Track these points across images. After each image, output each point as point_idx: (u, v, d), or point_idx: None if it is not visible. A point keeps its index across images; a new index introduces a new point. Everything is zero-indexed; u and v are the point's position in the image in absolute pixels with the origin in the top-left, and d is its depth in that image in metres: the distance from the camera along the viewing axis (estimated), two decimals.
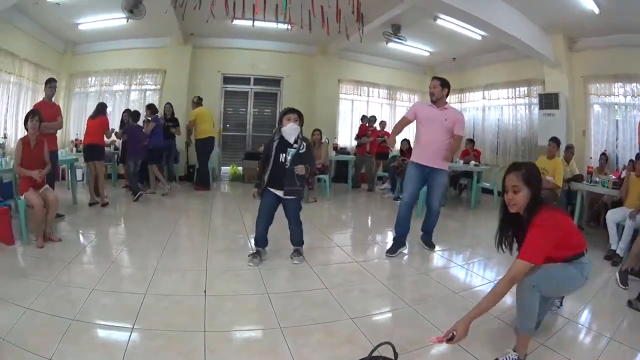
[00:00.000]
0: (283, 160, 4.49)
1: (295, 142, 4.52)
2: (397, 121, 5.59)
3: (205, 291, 3.72)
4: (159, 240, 5.37)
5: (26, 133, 5.20)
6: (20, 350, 2.60)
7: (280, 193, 4.55)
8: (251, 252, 4.69)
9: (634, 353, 2.99)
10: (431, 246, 5.55)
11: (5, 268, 4.12)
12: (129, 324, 3.01)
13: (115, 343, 2.79)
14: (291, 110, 4.58)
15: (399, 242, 5.32)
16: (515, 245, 2.96)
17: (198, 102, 9.94)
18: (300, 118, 4.58)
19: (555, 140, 7.20)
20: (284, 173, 4.47)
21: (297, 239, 4.79)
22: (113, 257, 4.64)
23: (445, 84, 5.27)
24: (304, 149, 4.55)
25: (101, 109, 7.74)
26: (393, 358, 2.44)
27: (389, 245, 5.34)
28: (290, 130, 4.48)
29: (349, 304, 3.62)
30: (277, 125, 4.76)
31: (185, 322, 3.12)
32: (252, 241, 4.78)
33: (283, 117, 4.54)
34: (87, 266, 4.45)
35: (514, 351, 2.69)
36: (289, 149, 4.49)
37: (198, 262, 4.57)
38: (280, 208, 4.71)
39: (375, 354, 2.46)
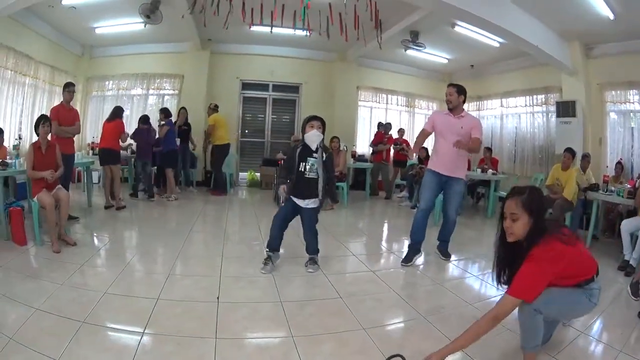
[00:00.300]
0: (302, 170, 4.50)
1: (316, 150, 4.52)
2: (415, 129, 5.57)
3: (218, 297, 3.67)
4: (174, 245, 5.36)
5: (37, 138, 5.22)
6: (29, 350, 2.59)
7: (300, 202, 4.55)
8: (264, 258, 4.60)
9: None
10: (447, 256, 5.44)
11: (16, 268, 4.13)
12: (140, 328, 2.98)
13: (125, 347, 2.76)
14: (315, 118, 4.58)
15: (414, 250, 5.24)
16: None
17: (215, 108, 10.00)
18: (323, 126, 4.59)
19: (570, 151, 7.07)
20: (306, 183, 4.51)
21: (312, 248, 4.74)
22: (127, 261, 4.63)
23: (461, 91, 5.18)
24: (325, 158, 4.55)
25: (117, 112, 7.80)
26: None
27: (404, 254, 5.24)
28: (313, 137, 4.49)
29: (362, 313, 3.55)
30: (300, 133, 4.75)
31: (197, 328, 3.08)
32: (266, 245, 4.71)
33: (306, 124, 4.55)
34: (100, 269, 4.44)
35: None
36: (309, 158, 4.49)
37: (212, 268, 4.52)
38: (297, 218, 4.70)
39: None
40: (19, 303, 3.26)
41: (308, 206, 4.57)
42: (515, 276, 2.45)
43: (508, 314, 2.45)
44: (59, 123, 5.91)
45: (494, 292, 4.41)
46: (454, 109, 5.17)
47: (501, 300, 2.44)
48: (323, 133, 4.58)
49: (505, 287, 2.63)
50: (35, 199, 4.98)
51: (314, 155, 4.51)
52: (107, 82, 10.99)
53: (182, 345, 2.81)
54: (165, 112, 8.99)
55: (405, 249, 5.43)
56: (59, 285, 3.71)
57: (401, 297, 4.06)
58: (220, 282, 4.09)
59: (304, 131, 4.57)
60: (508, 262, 2.68)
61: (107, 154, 7.50)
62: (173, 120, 9.16)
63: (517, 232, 2.51)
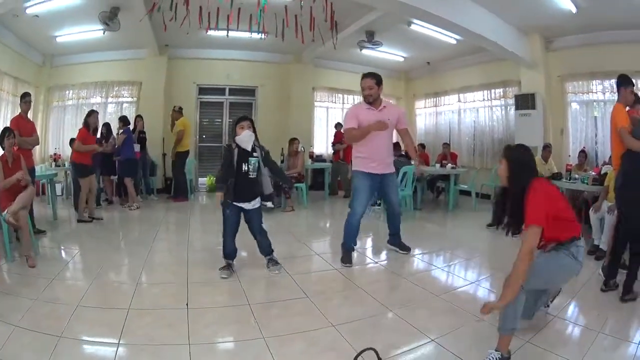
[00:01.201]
0: (246, 170, 4.43)
1: (254, 150, 4.47)
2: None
3: (187, 304, 3.77)
4: (140, 254, 5.41)
5: (1, 152, 5.22)
6: None
7: (245, 205, 4.52)
8: (223, 265, 4.62)
9: (619, 342, 3.15)
10: (406, 249, 5.48)
11: None
12: (115, 339, 3.05)
13: (103, 359, 2.85)
14: (243, 118, 4.51)
15: (349, 249, 5.24)
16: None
17: (179, 111, 9.99)
18: (253, 125, 4.50)
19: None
20: (251, 183, 4.46)
21: (266, 249, 4.79)
22: (95, 273, 4.62)
23: (380, 81, 4.98)
24: (264, 155, 4.55)
25: (86, 117, 7.70)
26: None
27: (341, 256, 5.22)
28: (245, 138, 4.40)
29: (330, 311, 3.68)
30: (231, 135, 4.66)
31: (169, 335, 3.17)
32: (222, 254, 4.67)
33: (236, 126, 4.46)
34: (70, 282, 4.48)
35: (496, 350, 2.74)
36: (250, 158, 4.43)
37: (179, 275, 4.60)
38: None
39: None
40: None
41: (254, 207, 4.58)
42: (525, 210, 2.77)
43: (536, 243, 2.75)
44: (20, 134, 5.89)
45: (460, 282, 4.68)
46: (374, 101, 5.01)
47: (524, 236, 2.73)
48: (254, 132, 4.48)
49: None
50: (4, 213, 4.87)
51: (254, 154, 4.46)
52: (67, 92, 10.85)
53: (157, 354, 2.91)
54: (123, 121, 9.01)
55: (369, 246, 5.64)
56: (33, 299, 3.73)
57: (368, 292, 4.19)
58: (187, 289, 4.18)
59: (234, 133, 4.46)
60: (502, 207, 3.13)
61: (75, 168, 7.55)
62: (131, 128, 9.17)
63: (501, 173, 3.07)
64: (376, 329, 3.43)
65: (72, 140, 8.45)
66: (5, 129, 5.35)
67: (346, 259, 5.10)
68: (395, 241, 5.56)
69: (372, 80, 4.91)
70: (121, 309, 3.61)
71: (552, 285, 3.37)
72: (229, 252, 4.63)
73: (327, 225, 8.30)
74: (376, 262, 5.43)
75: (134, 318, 3.45)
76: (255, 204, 4.57)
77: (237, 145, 4.44)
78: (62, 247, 5.96)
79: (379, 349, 2.69)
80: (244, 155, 4.44)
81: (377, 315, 3.70)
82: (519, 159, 2.99)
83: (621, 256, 4.30)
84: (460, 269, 5.22)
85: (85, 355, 2.93)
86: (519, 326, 2.83)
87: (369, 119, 4.92)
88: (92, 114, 7.37)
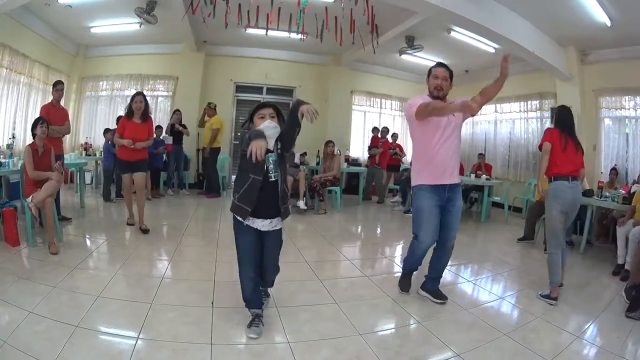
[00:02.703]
0: (266, 170, 3.13)
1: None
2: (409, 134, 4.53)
3: (212, 302, 3.67)
4: (168, 249, 5.38)
5: (32, 140, 5.25)
6: (23, 354, 2.58)
7: (263, 224, 3.16)
8: (249, 318, 3.24)
9: None
10: (442, 297, 4.15)
11: (10, 270, 4.09)
12: (134, 333, 2.98)
13: (119, 352, 2.74)
14: (265, 105, 3.27)
15: (410, 275, 4.41)
16: None
17: (214, 108, 9.97)
18: (278, 114, 3.30)
19: None
20: (271, 191, 3.15)
21: (270, 283, 3.58)
22: (120, 264, 4.56)
23: (452, 77, 3.98)
24: (281, 149, 3.21)
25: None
26: None
27: (399, 280, 4.42)
28: (268, 131, 3.09)
29: (358, 319, 3.56)
30: (247, 125, 3.32)
31: (192, 334, 3.07)
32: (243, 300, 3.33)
33: (254, 115, 3.23)
34: (92, 272, 4.39)
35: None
36: (269, 154, 3.11)
37: (206, 272, 4.51)
38: None
39: None
40: (12, 305, 3.25)
41: (275, 228, 3.23)
42: None
43: None
44: (49, 122, 5.88)
45: (487, 296, 4.52)
46: (443, 97, 3.94)
47: None
48: (279, 123, 3.25)
49: None
50: (29, 199, 4.94)
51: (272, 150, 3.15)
52: (101, 83, 10.94)
53: (177, 351, 2.80)
54: None
55: (398, 254, 5.40)
56: (52, 287, 3.69)
57: (396, 302, 4.08)
58: (214, 287, 4.07)
59: (251, 123, 3.24)
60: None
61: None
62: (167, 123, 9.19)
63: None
64: (403, 340, 3.34)
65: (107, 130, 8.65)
66: (39, 118, 5.35)
67: (404, 284, 4.35)
68: (432, 287, 4.25)
69: (447, 72, 3.91)
70: (144, 303, 3.53)
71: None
72: (252, 298, 3.30)
73: (359, 230, 8.19)
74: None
75: (156, 313, 3.37)
76: (276, 224, 3.22)
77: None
78: (87, 236, 5.90)
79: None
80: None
81: (405, 326, 3.64)
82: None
83: None
84: (488, 282, 5.09)
85: (101, 347, 2.83)
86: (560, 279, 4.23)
87: (440, 124, 3.88)
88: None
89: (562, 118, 4.71)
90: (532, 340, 3.35)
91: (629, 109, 8.50)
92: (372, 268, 5.43)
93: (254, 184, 3.05)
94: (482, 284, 4.94)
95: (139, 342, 2.87)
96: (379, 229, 8.30)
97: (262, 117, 3.16)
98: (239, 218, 3.14)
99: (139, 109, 6.18)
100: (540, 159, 4.66)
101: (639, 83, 8.14)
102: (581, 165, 4.61)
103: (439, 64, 4.03)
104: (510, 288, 4.88)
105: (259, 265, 3.26)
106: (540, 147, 4.67)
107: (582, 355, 3.22)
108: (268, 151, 3.07)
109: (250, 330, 3.10)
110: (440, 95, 3.90)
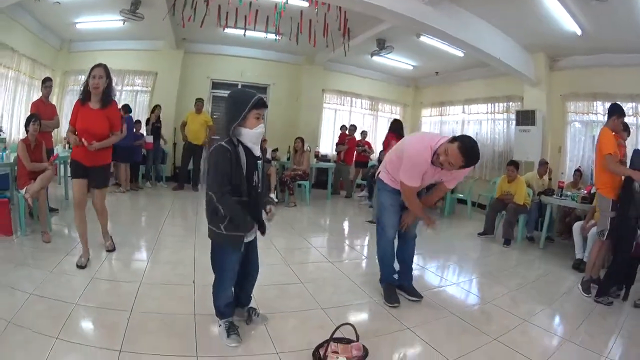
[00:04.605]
0: (256, 182, 3.01)
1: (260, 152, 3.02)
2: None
3: (194, 281, 4.12)
4: (150, 235, 5.86)
5: (26, 135, 5.48)
6: (28, 331, 2.87)
7: (252, 232, 3.06)
8: (224, 327, 3.10)
9: (588, 354, 3.33)
10: (418, 296, 4.21)
11: (7, 258, 4.33)
12: (127, 309, 3.36)
13: (115, 324, 3.12)
14: (263, 104, 2.87)
15: (392, 283, 4.28)
16: None
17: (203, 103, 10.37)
18: None
19: (513, 164, 7.55)
20: (258, 201, 3.06)
21: (249, 295, 3.43)
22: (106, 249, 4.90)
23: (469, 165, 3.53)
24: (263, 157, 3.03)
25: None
26: (355, 339, 2.91)
27: (384, 297, 4.18)
28: (258, 136, 2.88)
29: (321, 296, 4.07)
30: (229, 123, 2.81)
31: (177, 307, 3.52)
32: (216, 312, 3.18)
33: (249, 112, 2.79)
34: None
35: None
36: (257, 162, 2.99)
37: (187, 256, 4.96)
38: None
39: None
40: (14, 289, 3.51)
41: (256, 232, 3.12)
42: None
43: None
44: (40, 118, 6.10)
45: (444, 282, 5.05)
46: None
47: None
48: None
49: None
50: (23, 190, 5.14)
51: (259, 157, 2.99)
52: (83, 77, 10.97)
53: (165, 322, 3.23)
54: (125, 109, 9.20)
55: (364, 243, 5.86)
56: (49, 272, 4.00)
57: (357, 284, 4.57)
58: (194, 268, 4.52)
59: (241, 122, 2.79)
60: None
61: None
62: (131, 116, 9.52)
63: None
64: (360, 314, 3.88)
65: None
66: (32, 115, 5.57)
67: (391, 297, 4.10)
68: (407, 285, 4.31)
69: (461, 159, 3.42)
70: (133, 282, 3.95)
71: None
72: (227, 309, 3.15)
73: (326, 222, 8.63)
74: (365, 258, 5.86)
75: (145, 291, 3.78)
76: (256, 229, 3.07)
77: (243, 145, 2.86)
78: (74, 226, 6.17)
79: (360, 332, 2.99)
80: (252, 160, 2.93)
81: (362, 303, 4.11)
82: None
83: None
84: (448, 271, 5.59)
85: (98, 321, 3.22)
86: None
87: (425, 175, 3.75)
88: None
89: None
90: (481, 322, 3.80)
91: (596, 114, 8.78)
92: (337, 255, 5.93)
93: (243, 205, 2.85)
94: (442, 274, 5.44)
95: (132, 314, 3.28)
96: (345, 222, 8.72)
97: (258, 118, 2.85)
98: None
99: (96, 88, 4.34)
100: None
101: (608, 89, 8.41)
102: None
103: (460, 148, 3.39)
104: (468, 275, 5.45)
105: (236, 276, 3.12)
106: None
107: (529, 336, 3.57)
108: (257, 159, 2.96)
109: (230, 339, 3.01)
110: (445, 168, 3.61)
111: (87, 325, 3.14)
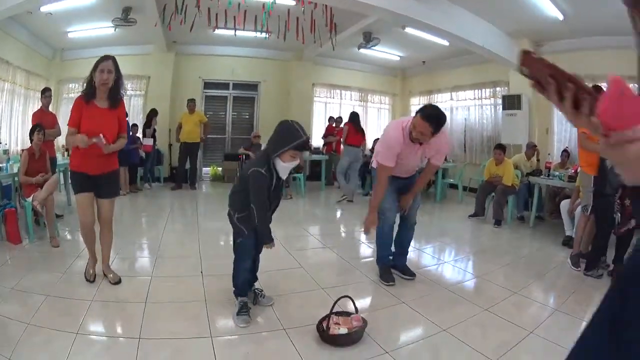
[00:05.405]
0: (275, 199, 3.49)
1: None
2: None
3: (202, 272, 4.37)
4: (153, 233, 6.13)
5: (30, 145, 5.67)
6: (48, 330, 2.99)
7: None
8: (237, 305, 3.43)
9: (575, 321, 3.49)
10: (411, 274, 4.48)
11: (18, 264, 4.49)
12: (142, 301, 3.59)
13: (131, 315, 3.35)
14: (305, 145, 3.27)
15: (388, 264, 4.51)
16: None
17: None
18: None
19: (500, 147, 7.77)
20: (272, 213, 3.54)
21: (256, 270, 3.78)
22: (115, 249, 4.83)
23: (438, 129, 3.86)
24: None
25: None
26: (354, 312, 3.17)
27: (380, 275, 4.45)
28: (288, 169, 3.30)
29: (321, 278, 4.36)
30: (272, 152, 3.23)
31: (187, 296, 3.75)
32: (234, 291, 3.57)
33: (286, 151, 3.17)
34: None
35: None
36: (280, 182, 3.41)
37: (193, 250, 5.21)
38: None
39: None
40: (29, 293, 3.61)
41: None
42: None
43: None
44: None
45: (436, 261, 5.29)
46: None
47: None
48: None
49: None
50: (30, 199, 5.31)
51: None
52: (77, 85, 11.14)
53: (177, 309, 3.48)
54: None
55: (357, 229, 6.21)
56: (61, 273, 4.17)
57: (354, 266, 4.90)
58: (201, 260, 4.80)
59: (278, 154, 3.19)
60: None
61: None
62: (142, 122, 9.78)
63: None
64: (359, 293, 4.00)
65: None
66: (36, 125, 5.75)
67: (387, 277, 4.34)
68: (400, 265, 4.57)
69: (430, 128, 3.78)
70: (145, 277, 4.21)
71: None
72: (245, 286, 3.58)
73: (321, 211, 8.92)
74: (359, 242, 6.11)
75: (156, 284, 4.02)
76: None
77: (276, 173, 3.29)
78: (79, 230, 6.34)
79: (360, 307, 3.28)
80: (278, 183, 3.39)
81: (360, 282, 4.40)
82: None
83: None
84: (441, 252, 5.81)
85: (117, 313, 3.44)
86: None
87: (407, 152, 4.04)
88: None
89: None
90: (473, 295, 4.08)
91: None
92: (334, 240, 6.23)
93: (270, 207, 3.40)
94: (435, 254, 5.68)
95: (147, 306, 3.51)
96: (339, 211, 8.87)
97: (293, 157, 3.21)
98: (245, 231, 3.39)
99: (105, 84, 3.87)
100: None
101: (591, 71, 8.20)
102: None
103: (423, 118, 3.80)
104: (457, 255, 5.70)
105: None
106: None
107: (520, 307, 3.79)
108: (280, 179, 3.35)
109: (239, 319, 3.28)
110: (419, 142, 3.94)
111: (105, 318, 3.32)
